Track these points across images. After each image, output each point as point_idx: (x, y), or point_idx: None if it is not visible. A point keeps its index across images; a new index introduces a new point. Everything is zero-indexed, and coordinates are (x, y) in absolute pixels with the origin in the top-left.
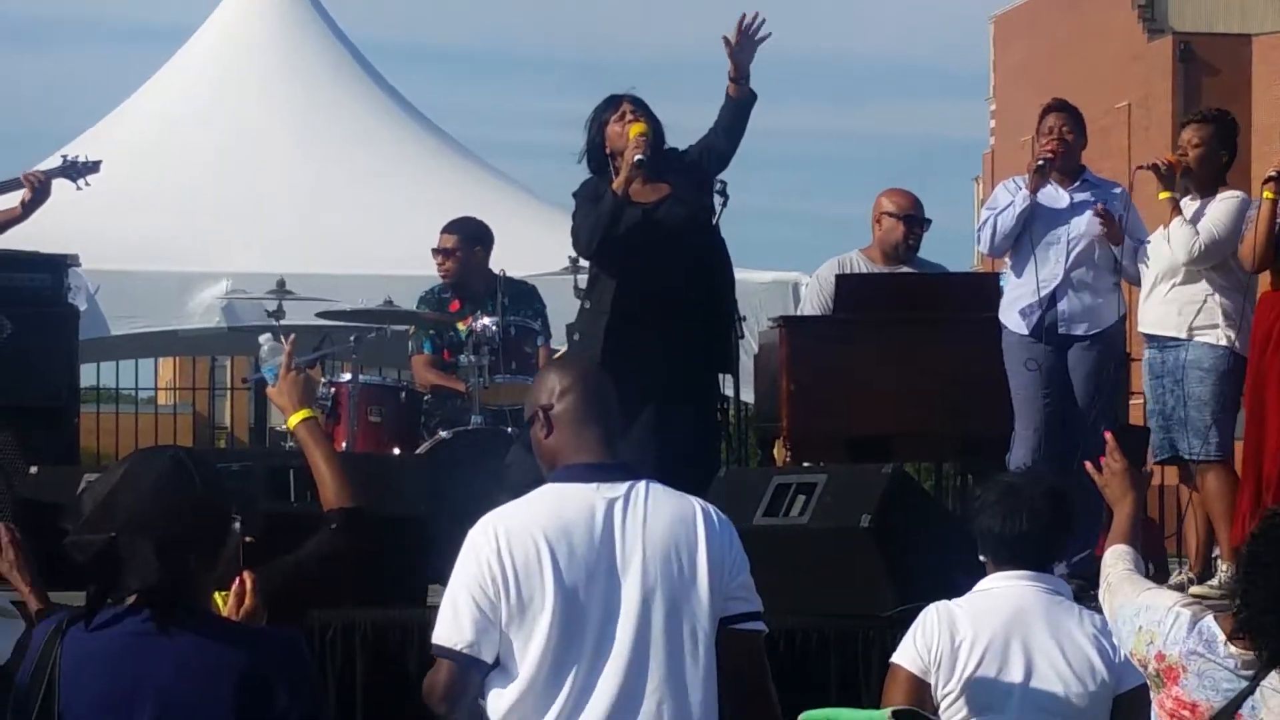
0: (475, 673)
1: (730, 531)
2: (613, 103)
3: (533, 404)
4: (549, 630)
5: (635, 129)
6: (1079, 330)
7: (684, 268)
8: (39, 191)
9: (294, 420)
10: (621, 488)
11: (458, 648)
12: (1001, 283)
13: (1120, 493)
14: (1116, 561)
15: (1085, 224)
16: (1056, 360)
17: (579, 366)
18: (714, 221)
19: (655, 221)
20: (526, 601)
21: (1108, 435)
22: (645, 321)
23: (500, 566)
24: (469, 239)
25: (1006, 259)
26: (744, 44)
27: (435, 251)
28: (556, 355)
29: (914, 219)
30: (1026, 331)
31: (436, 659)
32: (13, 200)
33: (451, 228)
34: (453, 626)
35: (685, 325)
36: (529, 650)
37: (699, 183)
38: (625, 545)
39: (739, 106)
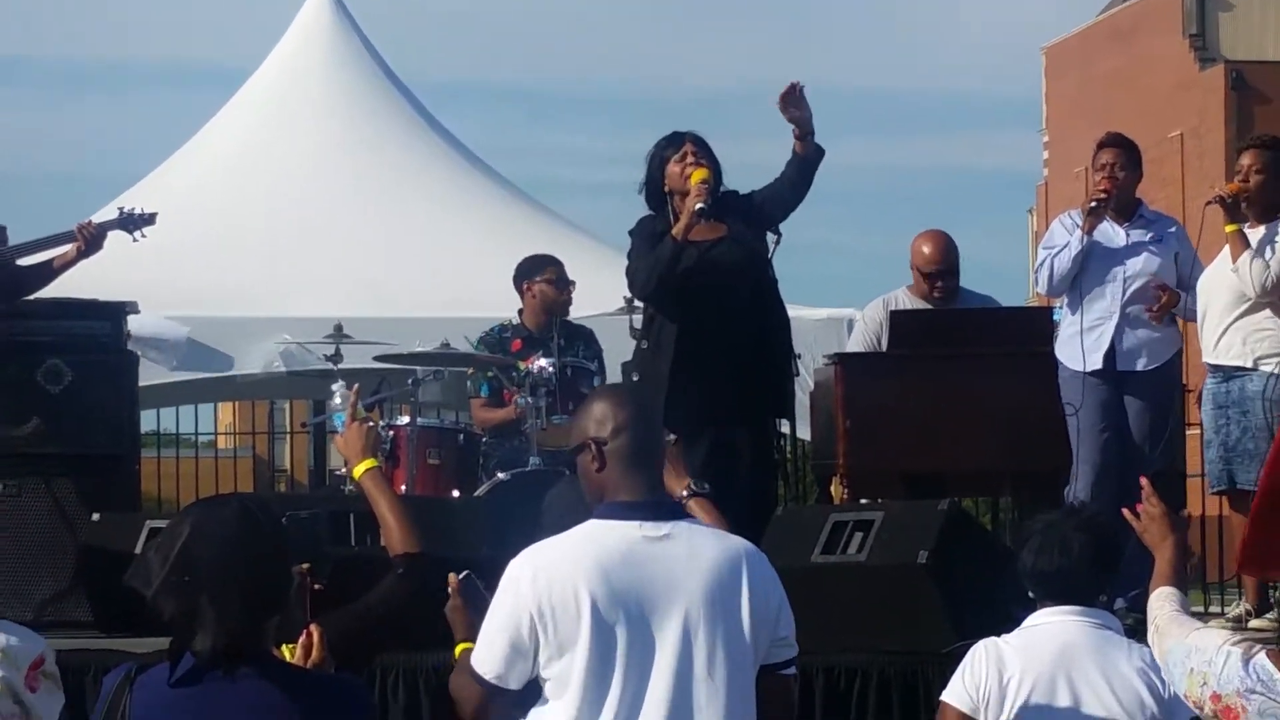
0: (501, 699)
1: (775, 576)
2: (674, 140)
3: (582, 433)
4: (587, 669)
5: (697, 175)
6: (1138, 365)
7: (740, 308)
8: (91, 243)
9: (359, 470)
10: (665, 527)
11: (487, 676)
12: (1056, 317)
13: (1160, 537)
14: (1163, 604)
15: (1142, 261)
16: (1114, 395)
17: (634, 402)
18: (769, 257)
19: (711, 261)
20: (566, 641)
21: (1143, 481)
22: (705, 361)
23: (537, 605)
24: (567, 273)
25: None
26: (790, 105)
27: (555, 281)
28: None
29: (940, 273)
30: (1084, 368)
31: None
32: (67, 248)
33: (552, 259)
34: (485, 656)
35: (742, 364)
36: (568, 689)
37: (756, 226)
38: (668, 586)
39: (805, 162)
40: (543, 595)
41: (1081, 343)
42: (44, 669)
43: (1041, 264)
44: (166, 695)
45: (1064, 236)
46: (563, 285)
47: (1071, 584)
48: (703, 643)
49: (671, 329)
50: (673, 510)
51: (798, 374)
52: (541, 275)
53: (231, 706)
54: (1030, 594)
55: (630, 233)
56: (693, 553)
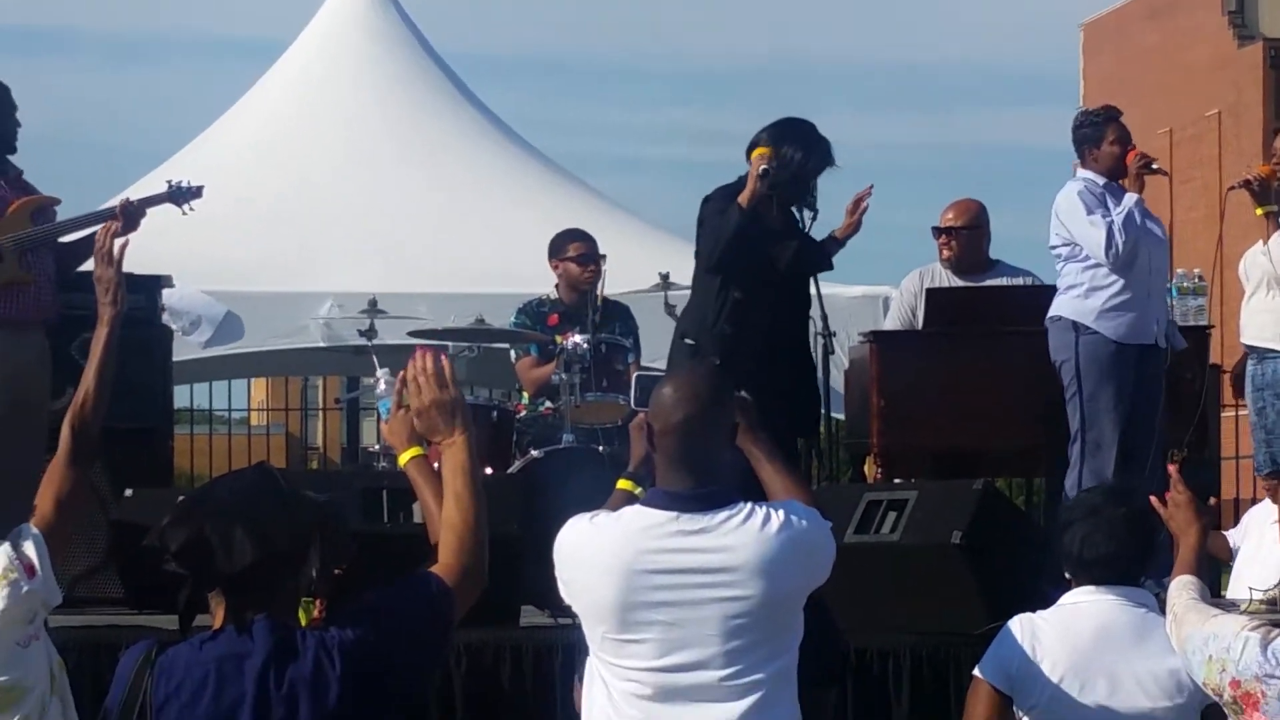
0: None
1: (817, 541)
2: (822, 157)
3: (649, 413)
4: (615, 644)
5: (759, 151)
6: (1167, 339)
7: (793, 298)
8: (129, 221)
9: (404, 458)
10: (701, 520)
11: None
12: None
13: (1185, 525)
14: (1181, 592)
15: (1158, 232)
16: (1146, 369)
17: (689, 405)
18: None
19: (777, 243)
20: (593, 620)
21: (1171, 468)
22: (755, 344)
23: (565, 586)
24: (597, 250)
25: (1068, 262)
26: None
27: (581, 258)
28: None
29: (946, 230)
30: (1133, 340)
31: None
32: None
33: (582, 234)
34: None
35: (787, 357)
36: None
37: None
38: (695, 581)
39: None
40: (568, 578)
41: (1134, 314)
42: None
43: (1110, 231)
44: (188, 672)
45: (1097, 204)
46: (585, 262)
47: (1118, 568)
48: (729, 640)
49: (735, 308)
50: (721, 499)
51: (833, 352)
52: (565, 253)
53: (257, 678)
54: (1067, 575)
55: (706, 199)
56: (732, 543)
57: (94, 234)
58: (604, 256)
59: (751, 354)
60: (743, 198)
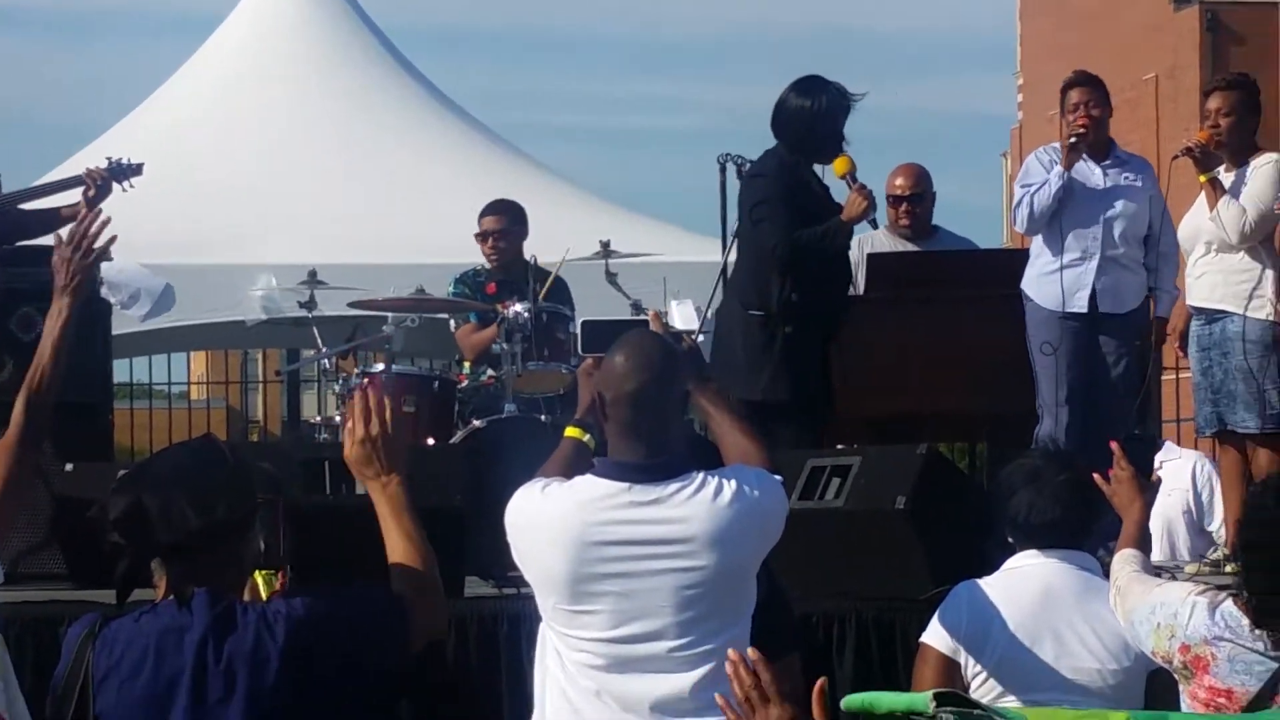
0: None
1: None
2: (846, 105)
3: (600, 380)
4: (566, 614)
5: (843, 165)
6: (1117, 308)
7: (839, 269)
8: (101, 189)
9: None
10: (654, 490)
11: None
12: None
13: (1128, 500)
14: (1125, 565)
15: (1123, 202)
16: (1090, 338)
17: (641, 374)
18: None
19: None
20: (544, 589)
21: (1114, 445)
22: (815, 312)
23: (518, 555)
24: (516, 220)
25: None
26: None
27: (484, 235)
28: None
29: (906, 198)
30: (1063, 308)
31: None
32: (74, 196)
33: (498, 208)
34: None
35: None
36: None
37: None
38: (646, 553)
39: None
40: (519, 547)
41: (1061, 282)
42: None
43: (1020, 201)
44: (128, 646)
45: (1040, 173)
46: (484, 239)
47: (1065, 532)
48: (682, 611)
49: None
50: (674, 469)
51: None
52: (478, 227)
53: (196, 653)
54: (1010, 539)
55: (756, 174)
56: (685, 514)
57: (58, 209)
58: (524, 229)
59: (813, 322)
60: (847, 216)
